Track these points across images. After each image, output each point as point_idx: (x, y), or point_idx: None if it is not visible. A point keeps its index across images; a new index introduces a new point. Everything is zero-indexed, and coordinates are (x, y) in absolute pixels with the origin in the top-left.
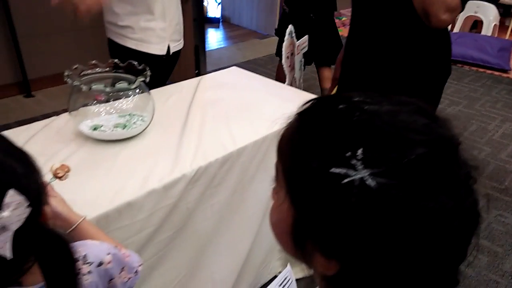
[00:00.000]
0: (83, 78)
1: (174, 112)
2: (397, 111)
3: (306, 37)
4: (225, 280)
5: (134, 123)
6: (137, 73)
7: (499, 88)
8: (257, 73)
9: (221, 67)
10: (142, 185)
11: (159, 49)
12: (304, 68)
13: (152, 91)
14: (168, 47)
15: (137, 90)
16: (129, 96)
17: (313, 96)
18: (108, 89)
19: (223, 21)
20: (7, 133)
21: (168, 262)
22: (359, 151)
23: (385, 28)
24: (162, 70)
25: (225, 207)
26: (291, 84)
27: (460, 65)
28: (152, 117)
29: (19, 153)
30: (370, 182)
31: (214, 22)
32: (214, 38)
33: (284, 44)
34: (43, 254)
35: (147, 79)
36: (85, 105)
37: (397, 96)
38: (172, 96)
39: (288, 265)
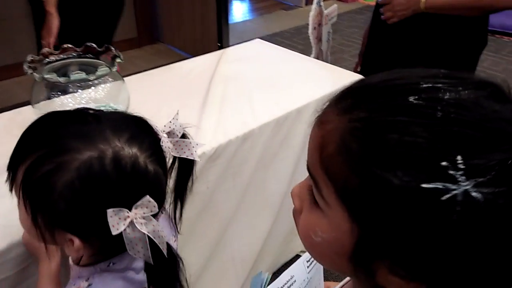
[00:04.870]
0: (50, 65)
1: (195, 87)
2: (478, 97)
3: (335, 6)
4: (246, 259)
5: None
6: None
7: None
8: (282, 46)
9: (245, 40)
10: None
11: None
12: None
13: (171, 65)
14: None
15: (109, 78)
16: (95, 86)
17: (342, 70)
18: (62, 80)
19: None
20: None
21: (189, 245)
22: (459, 158)
23: None
24: None
25: (247, 186)
26: (317, 57)
27: (498, 36)
28: (127, 107)
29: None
30: (476, 194)
31: None
32: (240, 10)
33: (311, 14)
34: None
35: (114, 69)
36: (49, 97)
37: (456, 72)
38: (193, 70)
39: None
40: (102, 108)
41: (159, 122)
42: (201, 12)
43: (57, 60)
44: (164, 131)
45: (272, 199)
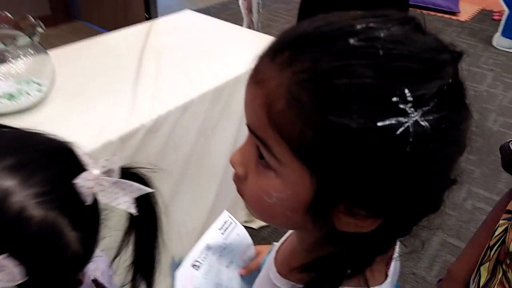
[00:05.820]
0: None
1: (125, 59)
2: (406, 31)
3: None
4: (192, 232)
5: (27, 93)
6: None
7: (449, 31)
8: None
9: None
10: (98, 137)
11: None
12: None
13: (97, 38)
14: None
15: (31, 50)
16: (15, 59)
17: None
18: None
19: None
20: None
21: None
22: (406, 92)
23: None
24: None
25: (189, 158)
26: (249, 28)
27: (419, 10)
28: (52, 83)
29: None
30: (424, 123)
31: None
32: None
33: None
34: None
35: (36, 38)
36: None
37: (377, 11)
38: (122, 42)
39: (225, 211)
40: (24, 85)
41: (91, 100)
42: None
43: None
44: (102, 166)
45: (214, 170)
